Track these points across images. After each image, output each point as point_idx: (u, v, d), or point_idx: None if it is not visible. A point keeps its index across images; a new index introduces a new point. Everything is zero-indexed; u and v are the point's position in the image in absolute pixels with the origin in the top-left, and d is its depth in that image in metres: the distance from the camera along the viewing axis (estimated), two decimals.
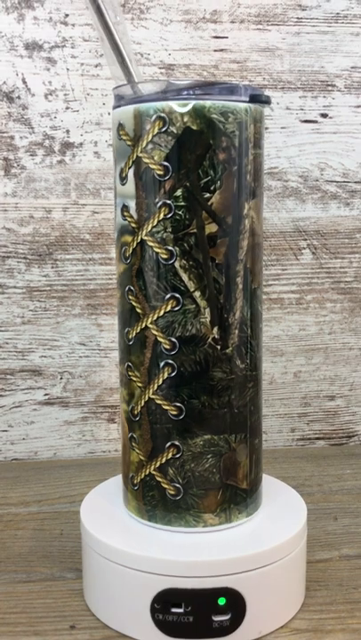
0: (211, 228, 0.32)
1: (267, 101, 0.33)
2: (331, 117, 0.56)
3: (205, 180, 0.31)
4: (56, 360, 0.56)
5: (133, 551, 0.32)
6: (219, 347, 0.33)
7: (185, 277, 0.32)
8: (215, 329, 0.32)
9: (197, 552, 0.32)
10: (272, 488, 0.38)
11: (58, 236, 0.55)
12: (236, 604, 0.31)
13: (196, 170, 0.31)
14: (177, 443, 0.33)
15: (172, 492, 0.33)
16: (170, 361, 0.33)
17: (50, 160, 0.54)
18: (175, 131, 0.31)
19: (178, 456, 0.33)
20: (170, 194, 0.31)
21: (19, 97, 0.53)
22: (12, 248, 0.54)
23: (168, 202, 0.31)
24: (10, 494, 0.49)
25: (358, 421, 0.60)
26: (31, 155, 0.53)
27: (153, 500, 0.34)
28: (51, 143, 0.53)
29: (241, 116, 0.31)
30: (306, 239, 0.57)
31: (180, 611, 0.31)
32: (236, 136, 0.31)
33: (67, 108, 0.53)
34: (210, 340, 0.32)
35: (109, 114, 0.54)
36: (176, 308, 0.32)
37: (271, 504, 0.36)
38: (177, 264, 0.32)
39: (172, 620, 0.31)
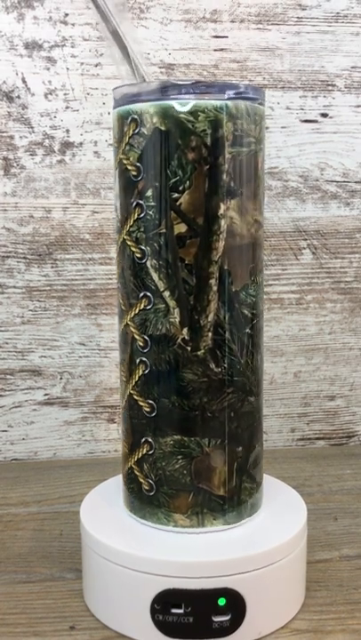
0: (180, 228, 0.32)
1: (249, 98, 0.32)
2: (331, 117, 0.56)
3: (174, 180, 0.31)
4: (56, 360, 0.56)
5: (133, 552, 0.32)
6: (189, 348, 0.32)
7: (155, 277, 0.32)
8: (185, 330, 0.32)
9: (197, 553, 0.32)
10: (272, 488, 0.38)
11: (58, 235, 0.55)
12: (236, 605, 0.31)
13: (165, 170, 0.31)
14: (150, 440, 0.34)
15: (147, 488, 0.34)
16: (144, 358, 0.33)
17: (50, 160, 0.54)
18: (146, 132, 0.31)
19: (151, 453, 0.34)
20: (142, 194, 0.32)
21: (18, 96, 0.53)
22: (11, 248, 0.54)
23: (140, 202, 0.32)
24: (10, 494, 0.49)
25: (358, 421, 0.60)
26: (31, 154, 0.53)
27: (133, 492, 0.35)
28: (50, 143, 0.53)
29: (213, 114, 0.31)
30: (306, 239, 0.57)
31: (180, 611, 0.31)
32: (208, 135, 0.31)
33: (66, 108, 0.53)
34: (179, 340, 0.32)
35: (109, 113, 0.54)
36: (148, 307, 0.33)
37: (271, 504, 0.36)
38: (148, 263, 0.32)
39: (172, 621, 0.31)
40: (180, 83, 0.31)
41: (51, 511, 0.46)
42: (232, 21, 0.54)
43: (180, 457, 0.33)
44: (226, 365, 0.33)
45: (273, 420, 0.59)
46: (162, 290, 0.32)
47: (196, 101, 0.31)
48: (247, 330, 0.33)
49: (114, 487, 0.39)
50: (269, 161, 0.55)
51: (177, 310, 0.32)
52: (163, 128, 0.31)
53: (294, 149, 0.56)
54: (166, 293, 0.32)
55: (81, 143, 0.54)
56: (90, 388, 0.57)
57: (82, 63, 0.53)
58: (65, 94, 0.53)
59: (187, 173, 0.31)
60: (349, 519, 0.44)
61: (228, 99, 0.31)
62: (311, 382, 0.59)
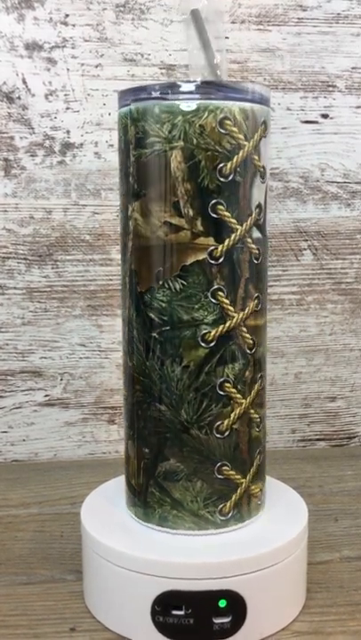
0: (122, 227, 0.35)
1: (154, 98, 0.31)
2: (331, 118, 0.56)
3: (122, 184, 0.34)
4: (56, 361, 0.56)
5: (134, 553, 0.32)
6: (126, 337, 0.35)
7: None
8: (125, 320, 0.35)
9: (198, 554, 0.32)
10: (273, 489, 0.38)
11: (58, 236, 0.54)
12: (236, 607, 0.31)
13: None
14: None
15: None
16: None
17: (50, 161, 0.54)
18: None
19: None
20: None
21: (19, 97, 0.53)
22: (12, 249, 0.54)
23: None
24: (10, 496, 0.49)
25: (359, 422, 0.60)
26: (31, 155, 0.53)
27: None
28: (51, 144, 0.53)
29: (124, 120, 0.33)
30: (307, 240, 0.57)
31: (181, 613, 0.31)
32: (122, 139, 0.33)
33: (67, 109, 0.53)
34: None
35: (110, 114, 0.54)
36: None
37: (272, 505, 0.36)
38: None
39: (173, 623, 0.31)
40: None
41: (51, 512, 0.46)
42: (233, 22, 0.54)
43: (128, 435, 0.36)
44: (135, 362, 0.34)
45: (274, 421, 0.59)
46: None
47: (122, 109, 0.33)
48: (153, 334, 0.32)
49: (114, 488, 0.39)
50: (270, 162, 0.55)
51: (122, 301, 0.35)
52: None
53: (295, 150, 0.56)
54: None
55: (81, 144, 0.54)
56: (90, 390, 0.57)
57: (82, 64, 0.53)
58: (65, 95, 0.53)
59: (120, 177, 0.34)
60: (350, 520, 0.44)
61: (131, 102, 0.32)
62: (312, 383, 0.59)
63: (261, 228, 0.33)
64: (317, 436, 0.60)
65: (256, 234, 0.33)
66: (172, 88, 0.31)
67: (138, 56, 0.53)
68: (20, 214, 0.54)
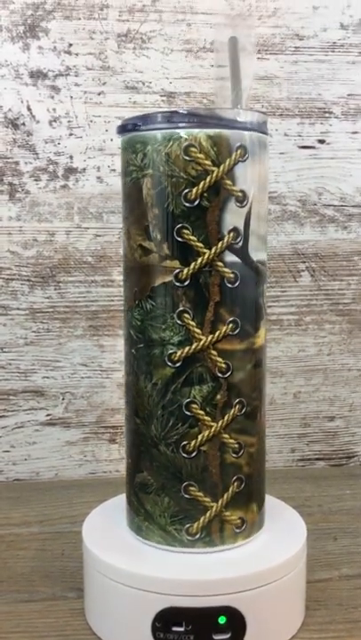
0: None
1: (133, 129, 0.33)
2: (328, 143, 0.57)
3: None
4: (58, 381, 0.57)
5: (135, 570, 0.32)
6: None
7: None
8: None
9: (198, 571, 0.32)
10: (273, 508, 0.38)
11: (61, 258, 0.56)
12: (236, 623, 0.32)
13: None
14: None
15: None
16: None
17: (54, 185, 0.55)
18: None
19: None
20: None
21: (24, 124, 0.54)
22: (15, 270, 0.55)
23: None
24: (12, 514, 0.49)
25: (358, 442, 0.61)
26: (35, 180, 0.55)
27: None
28: (55, 168, 0.55)
29: (120, 151, 0.35)
30: (305, 262, 0.58)
31: (181, 629, 0.31)
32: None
33: (70, 135, 0.55)
34: None
35: (112, 140, 0.55)
36: None
37: (272, 524, 0.37)
38: None
39: (173, 639, 0.31)
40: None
41: (52, 531, 0.46)
42: None
43: None
44: (126, 376, 0.36)
45: (273, 440, 0.59)
46: None
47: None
48: (132, 350, 0.34)
49: (115, 507, 0.39)
50: (268, 186, 0.56)
51: None
52: None
53: (292, 174, 0.57)
54: None
55: (84, 169, 0.55)
56: (91, 409, 0.57)
57: (85, 92, 0.54)
58: (69, 122, 0.54)
59: None
60: (349, 539, 0.44)
61: (119, 136, 0.34)
62: (311, 403, 0.60)
63: (239, 252, 0.33)
64: (316, 456, 0.60)
65: (230, 257, 0.32)
66: (143, 120, 0.33)
67: (139, 84, 0.55)
68: (23, 237, 0.55)
